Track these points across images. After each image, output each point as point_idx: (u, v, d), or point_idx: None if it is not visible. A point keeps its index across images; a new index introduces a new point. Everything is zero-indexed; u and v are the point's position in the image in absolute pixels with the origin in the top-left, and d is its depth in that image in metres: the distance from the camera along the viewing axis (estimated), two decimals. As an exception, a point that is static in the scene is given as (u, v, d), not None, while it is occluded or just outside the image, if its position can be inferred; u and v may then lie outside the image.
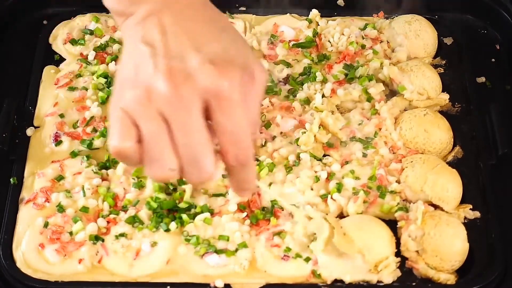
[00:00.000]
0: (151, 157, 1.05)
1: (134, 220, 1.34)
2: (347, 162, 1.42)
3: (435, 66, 1.57)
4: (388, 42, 1.59)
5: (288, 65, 1.55)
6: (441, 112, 1.50)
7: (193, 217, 1.35)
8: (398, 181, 1.39)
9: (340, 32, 1.59)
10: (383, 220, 1.36)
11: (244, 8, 1.67)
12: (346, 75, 1.53)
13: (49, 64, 1.57)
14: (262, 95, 1.11)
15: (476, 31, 1.66)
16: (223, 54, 1.06)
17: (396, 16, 1.63)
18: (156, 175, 1.07)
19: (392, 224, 1.35)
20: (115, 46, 1.58)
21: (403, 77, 1.50)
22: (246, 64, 1.08)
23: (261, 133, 1.45)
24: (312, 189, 1.38)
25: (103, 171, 1.41)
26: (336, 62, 1.55)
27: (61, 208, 1.36)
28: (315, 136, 1.43)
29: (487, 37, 1.65)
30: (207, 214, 1.34)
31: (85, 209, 1.36)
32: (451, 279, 1.31)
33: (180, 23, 1.08)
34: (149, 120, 1.03)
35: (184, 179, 1.10)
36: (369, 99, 1.49)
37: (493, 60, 1.62)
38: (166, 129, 1.04)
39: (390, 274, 1.30)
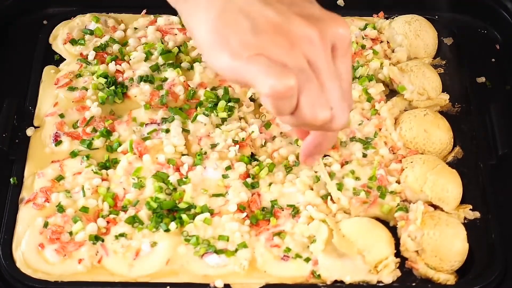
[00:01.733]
0: (309, 99, 1.02)
1: (134, 220, 1.34)
2: (347, 162, 1.42)
3: (435, 66, 1.57)
4: (388, 42, 1.59)
5: (288, 65, 1.55)
6: (441, 112, 1.50)
7: (193, 217, 1.35)
8: (398, 181, 1.39)
9: (340, 32, 1.59)
10: (382, 221, 1.36)
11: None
12: None
13: (49, 64, 1.57)
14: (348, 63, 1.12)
15: (476, 31, 1.66)
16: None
17: (396, 16, 1.63)
18: (312, 118, 1.03)
19: (391, 227, 1.36)
20: (115, 46, 1.58)
21: (403, 77, 1.50)
22: None
23: (260, 133, 1.45)
24: (312, 189, 1.38)
25: (103, 171, 1.41)
26: None
27: (61, 208, 1.36)
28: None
29: (487, 37, 1.65)
30: (207, 214, 1.35)
31: (85, 209, 1.36)
32: (451, 279, 1.31)
33: None
34: (299, 60, 1.01)
35: (327, 128, 1.09)
36: (369, 99, 1.49)
37: (493, 60, 1.62)
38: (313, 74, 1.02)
39: (389, 274, 1.30)
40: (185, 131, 1.46)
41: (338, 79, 1.06)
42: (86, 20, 1.63)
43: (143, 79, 1.52)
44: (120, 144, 1.44)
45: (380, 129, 1.45)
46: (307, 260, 1.31)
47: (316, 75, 1.04)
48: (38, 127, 1.49)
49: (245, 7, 1.05)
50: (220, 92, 1.50)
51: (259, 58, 1.01)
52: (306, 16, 1.05)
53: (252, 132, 1.45)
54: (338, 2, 1.68)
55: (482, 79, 1.58)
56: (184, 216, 1.34)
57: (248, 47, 1.02)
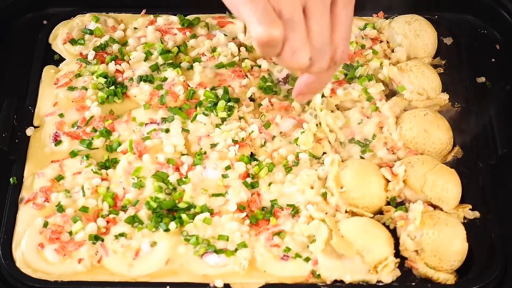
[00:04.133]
0: (291, 47, 1.09)
1: (133, 220, 1.34)
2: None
3: (435, 66, 1.57)
4: (387, 42, 1.59)
5: (288, 65, 1.55)
6: (440, 112, 1.50)
7: (192, 217, 1.35)
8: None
9: (340, 32, 1.59)
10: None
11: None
12: (345, 75, 1.53)
13: (49, 64, 1.58)
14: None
15: (476, 31, 1.66)
16: None
17: (396, 16, 1.63)
18: (292, 63, 1.12)
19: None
20: (115, 46, 1.58)
21: (402, 77, 1.50)
22: None
23: (260, 133, 1.45)
24: (312, 188, 1.38)
25: (103, 171, 1.41)
26: None
27: (60, 208, 1.36)
28: (314, 135, 1.44)
29: (487, 37, 1.65)
30: (206, 214, 1.35)
31: (84, 209, 1.36)
32: (450, 279, 1.31)
33: None
34: (293, 8, 1.07)
35: (308, 71, 1.17)
36: (369, 98, 1.49)
37: (493, 60, 1.61)
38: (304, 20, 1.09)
39: (389, 274, 1.30)
40: (185, 131, 1.46)
41: (328, 25, 1.13)
42: (85, 20, 1.63)
43: (143, 79, 1.52)
44: (119, 144, 1.44)
45: (381, 128, 1.45)
46: (307, 259, 1.31)
47: (306, 20, 1.10)
48: (38, 127, 1.49)
49: None
50: (220, 92, 1.50)
51: (258, 1, 1.08)
52: None
53: (252, 132, 1.45)
54: (338, 2, 1.68)
55: (482, 79, 1.57)
56: (183, 216, 1.34)
57: None
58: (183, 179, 1.40)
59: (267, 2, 1.08)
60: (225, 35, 1.60)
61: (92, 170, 1.40)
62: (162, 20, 1.62)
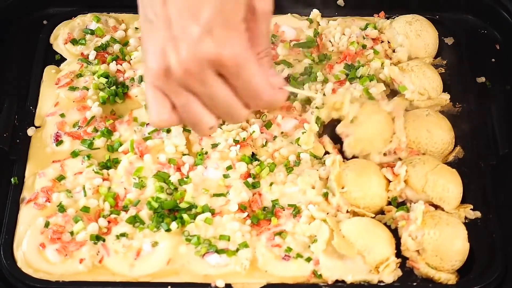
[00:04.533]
0: (190, 122, 1.16)
1: (135, 220, 1.34)
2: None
3: (436, 66, 1.57)
4: (389, 42, 1.59)
5: (289, 65, 1.55)
6: (442, 112, 1.50)
7: (194, 217, 1.35)
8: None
9: (341, 32, 1.59)
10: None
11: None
12: (347, 75, 1.53)
13: (50, 64, 1.57)
14: (268, 22, 1.16)
15: (476, 31, 1.66)
16: (219, 12, 1.08)
17: (397, 16, 1.63)
18: (200, 134, 1.25)
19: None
20: (116, 46, 1.58)
21: (404, 77, 1.50)
22: (246, 1, 1.11)
23: (261, 133, 1.45)
24: (313, 188, 1.38)
25: (104, 171, 1.41)
26: (337, 62, 1.55)
27: (62, 208, 1.36)
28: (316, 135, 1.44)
29: (487, 37, 1.65)
30: (208, 214, 1.35)
31: (86, 209, 1.36)
32: (452, 279, 1.32)
33: None
34: (176, 94, 1.12)
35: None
36: (370, 98, 1.49)
37: (493, 60, 1.62)
38: (195, 97, 1.13)
39: (390, 274, 1.30)
40: (186, 130, 1.46)
41: (225, 93, 1.13)
42: (87, 20, 1.63)
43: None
44: (121, 144, 1.44)
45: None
46: (308, 260, 1.31)
47: (199, 99, 1.14)
48: (39, 127, 1.48)
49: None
50: (221, 92, 1.50)
51: (155, 90, 1.14)
52: (179, 45, 1.09)
53: (253, 132, 1.45)
54: (338, 2, 1.68)
55: (482, 79, 1.58)
56: (185, 216, 1.34)
57: (148, 74, 1.15)
58: (184, 179, 1.40)
59: (156, 90, 1.14)
60: (226, 35, 1.60)
61: (93, 170, 1.40)
62: (163, 20, 1.62)
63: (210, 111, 1.15)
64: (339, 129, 1.42)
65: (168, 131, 1.44)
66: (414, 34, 1.57)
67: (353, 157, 1.42)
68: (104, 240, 1.33)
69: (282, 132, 1.46)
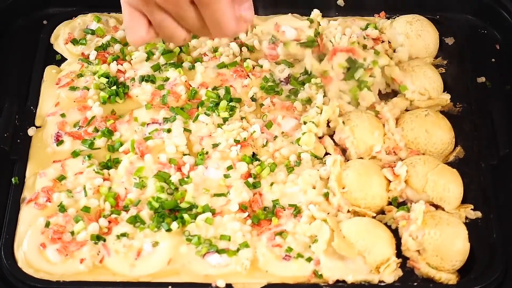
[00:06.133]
0: (166, 36, 1.26)
1: (135, 220, 1.34)
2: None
3: (437, 66, 1.57)
4: (389, 42, 1.59)
5: (290, 65, 1.55)
6: (442, 112, 1.50)
7: (194, 217, 1.35)
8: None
9: (341, 32, 1.59)
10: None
11: (245, 8, 1.67)
12: (347, 69, 1.51)
13: (51, 64, 1.58)
14: None
15: (476, 31, 1.66)
16: None
17: (397, 16, 1.63)
18: (176, 44, 1.46)
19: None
20: (117, 46, 1.58)
21: (404, 77, 1.50)
22: None
23: (262, 133, 1.45)
24: (314, 188, 1.38)
25: (105, 171, 1.41)
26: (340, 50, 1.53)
27: (62, 208, 1.36)
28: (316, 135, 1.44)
29: (487, 37, 1.66)
30: (208, 214, 1.35)
31: (86, 209, 1.36)
32: (452, 278, 1.32)
33: None
34: (152, 13, 1.22)
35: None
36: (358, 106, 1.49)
37: (493, 60, 1.62)
38: (168, 15, 1.23)
39: (391, 274, 1.30)
40: (187, 130, 1.46)
41: (193, 14, 1.23)
42: (87, 20, 1.63)
43: (145, 79, 1.52)
44: (121, 144, 1.44)
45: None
46: (309, 259, 1.31)
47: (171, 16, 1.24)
48: (40, 127, 1.49)
49: None
50: (222, 92, 1.51)
51: (133, 10, 1.24)
52: None
53: (254, 132, 1.45)
54: (338, 2, 1.68)
55: (482, 79, 1.58)
56: (185, 216, 1.34)
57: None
58: (185, 179, 1.40)
59: (132, 10, 1.24)
60: (226, 35, 1.60)
61: (94, 170, 1.40)
62: (163, 20, 1.62)
63: (182, 26, 1.25)
64: (336, 137, 1.44)
65: (169, 131, 1.45)
66: (415, 34, 1.57)
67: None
68: (104, 240, 1.33)
69: (282, 132, 1.46)
